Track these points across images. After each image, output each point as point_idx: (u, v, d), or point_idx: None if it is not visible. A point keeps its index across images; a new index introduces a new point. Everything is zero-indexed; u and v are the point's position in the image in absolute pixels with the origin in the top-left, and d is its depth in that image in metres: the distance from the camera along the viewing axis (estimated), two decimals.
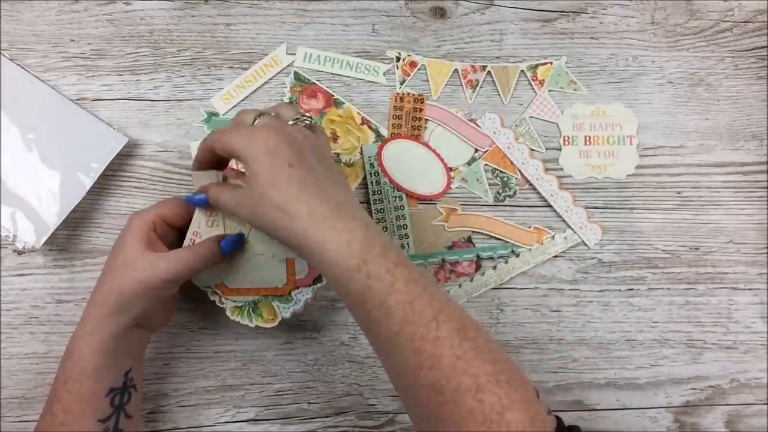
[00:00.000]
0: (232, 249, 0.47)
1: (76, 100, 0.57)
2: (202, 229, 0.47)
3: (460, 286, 0.58)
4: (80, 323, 0.45)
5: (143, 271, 0.43)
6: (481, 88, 0.60)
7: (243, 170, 0.44)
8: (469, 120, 0.59)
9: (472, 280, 0.58)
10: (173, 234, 0.48)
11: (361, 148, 0.58)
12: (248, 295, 0.50)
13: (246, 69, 0.58)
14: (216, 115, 0.58)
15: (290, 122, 0.44)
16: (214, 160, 0.46)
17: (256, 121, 0.43)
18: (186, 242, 0.48)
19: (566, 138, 0.59)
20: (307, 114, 0.45)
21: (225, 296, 0.50)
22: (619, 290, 0.59)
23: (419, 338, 0.37)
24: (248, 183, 0.41)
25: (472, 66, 0.60)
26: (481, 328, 0.40)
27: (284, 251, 0.49)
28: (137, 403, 0.47)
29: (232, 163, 0.51)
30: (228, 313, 0.50)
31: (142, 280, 0.43)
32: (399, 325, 0.38)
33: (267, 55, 0.59)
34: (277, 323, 0.50)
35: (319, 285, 0.50)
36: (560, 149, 0.59)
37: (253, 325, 0.50)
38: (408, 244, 0.57)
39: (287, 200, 0.39)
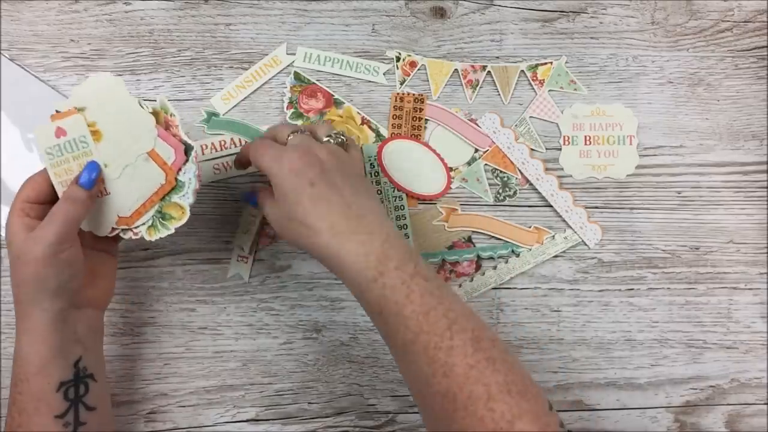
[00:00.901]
0: (90, 179, 0.45)
1: None
2: (63, 185, 0.46)
3: (460, 286, 0.58)
4: (16, 326, 0.44)
5: (31, 250, 0.42)
6: (481, 88, 0.60)
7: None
8: (469, 120, 0.59)
9: (472, 280, 0.58)
10: (50, 208, 0.46)
11: (361, 148, 0.58)
12: (148, 210, 0.48)
13: (246, 69, 0.59)
14: (216, 115, 0.58)
15: (324, 139, 0.47)
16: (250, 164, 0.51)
17: (289, 138, 0.46)
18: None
19: (566, 138, 0.59)
20: (340, 131, 0.48)
21: (130, 225, 0.48)
22: (619, 290, 0.59)
23: (433, 347, 0.39)
24: (277, 200, 0.45)
25: (472, 66, 0.60)
26: (496, 339, 0.41)
27: (138, 149, 0.47)
28: (100, 394, 0.46)
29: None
30: (147, 238, 0.48)
31: (35, 256, 0.42)
32: (414, 334, 0.39)
33: (267, 55, 0.59)
34: (189, 214, 0.47)
35: (193, 152, 0.47)
36: (560, 149, 0.59)
37: (173, 231, 0.47)
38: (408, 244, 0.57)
39: (310, 217, 0.43)
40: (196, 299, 0.57)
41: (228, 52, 0.59)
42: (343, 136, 0.48)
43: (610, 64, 0.60)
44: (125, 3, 0.59)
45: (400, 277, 0.41)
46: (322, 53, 0.59)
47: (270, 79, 0.59)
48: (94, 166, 0.46)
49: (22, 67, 0.56)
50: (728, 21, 0.61)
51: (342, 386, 0.57)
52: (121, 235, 0.48)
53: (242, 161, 0.52)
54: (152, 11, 0.59)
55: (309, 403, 0.57)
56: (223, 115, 0.58)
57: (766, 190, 0.60)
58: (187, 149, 0.47)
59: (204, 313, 0.57)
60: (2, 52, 0.57)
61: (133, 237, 0.48)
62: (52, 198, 0.46)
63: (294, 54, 0.59)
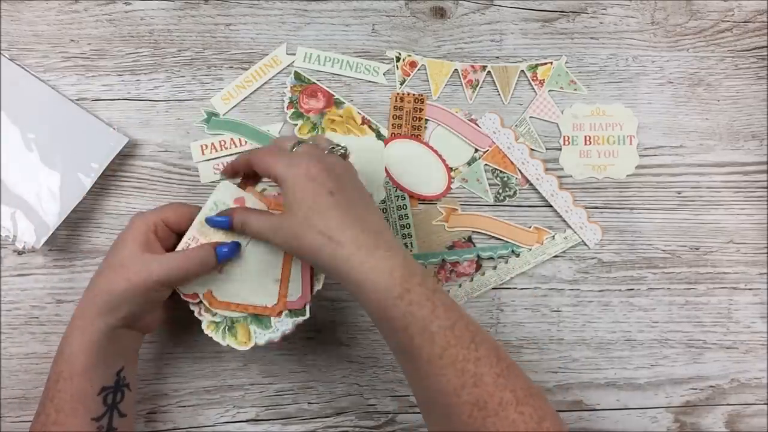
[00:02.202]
0: (227, 256, 0.46)
1: (76, 100, 0.57)
2: (199, 234, 0.47)
3: (460, 286, 0.58)
4: (71, 321, 0.45)
5: (136, 273, 0.44)
6: (481, 88, 0.60)
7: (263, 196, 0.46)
8: (469, 120, 0.59)
9: (472, 280, 0.58)
10: (174, 238, 0.48)
11: None
12: (235, 310, 0.48)
13: (246, 69, 0.58)
14: (216, 115, 0.58)
15: (325, 151, 0.45)
16: (248, 174, 0.48)
17: (295, 149, 0.45)
18: (181, 246, 0.47)
19: (566, 138, 0.59)
20: (340, 144, 0.47)
21: (212, 307, 0.48)
22: (619, 290, 0.59)
23: (462, 360, 0.39)
24: (289, 208, 0.42)
25: (472, 66, 0.60)
26: (505, 350, 0.42)
27: (278, 271, 0.48)
28: (131, 403, 0.47)
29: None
30: (203, 327, 0.48)
31: (133, 281, 0.43)
32: (442, 348, 0.39)
33: (267, 55, 0.59)
34: (249, 348, 0.48)
35: (301, 318, 0.48)
36: (560, 149, 0.59)
37: (224, 344, 0.48)
38: (411, 243, 0.57)
39: (330, 227, 0.41)
40: None
41: (228, 52, 0.59)
42: (344, 148, 0.47)
43: (610, 64, 0.60)
44: (125, 3, 0.59)
45: (424, 294, 0.40)
46: (322, 53, 0.59)
47: (270, 79, 0.59)
48: (236, 247, 0.47)
49: (22, 67, 0.56)
50: (728, 21, 0.61)
51: (342, 386, 0.57)
52: (190, 306, 0.48)
53: (237, 169, 0.48)
54: (152, 11, 0.59)
55: (309, 403, 0.57)
56: (223, 115, 0.58)
57: (766, 190, 0.60)
58: (301, 313, 0.48)
59: None
60: (2, 52, 0.57)
61: (196, 314, 0.48)
62: (184, 230, 0.47)
63: (294, 54, 0.59)
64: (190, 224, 0.47)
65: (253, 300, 0.48)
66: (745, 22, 0.61)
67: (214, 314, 0.48)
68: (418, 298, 0.40)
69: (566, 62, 0.60)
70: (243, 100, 0.58)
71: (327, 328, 0.57)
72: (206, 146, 0.57)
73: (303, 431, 0.56)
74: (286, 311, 0.48)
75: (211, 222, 0.46)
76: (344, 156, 0.47)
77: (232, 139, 0.58)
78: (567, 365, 0.58)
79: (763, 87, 0.61)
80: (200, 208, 0.47)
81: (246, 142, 0.58)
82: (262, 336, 0.48)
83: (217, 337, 0.48)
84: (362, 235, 0.41)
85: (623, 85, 0.60)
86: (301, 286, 0.48)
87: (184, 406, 0.56)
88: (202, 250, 0.46)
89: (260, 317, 0.48)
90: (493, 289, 0.58)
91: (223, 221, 0.46)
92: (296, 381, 0.57)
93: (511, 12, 0.60)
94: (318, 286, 0.48)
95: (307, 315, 0.48)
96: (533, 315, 0.58)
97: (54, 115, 0.55)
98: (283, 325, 0.48)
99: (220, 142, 0.58)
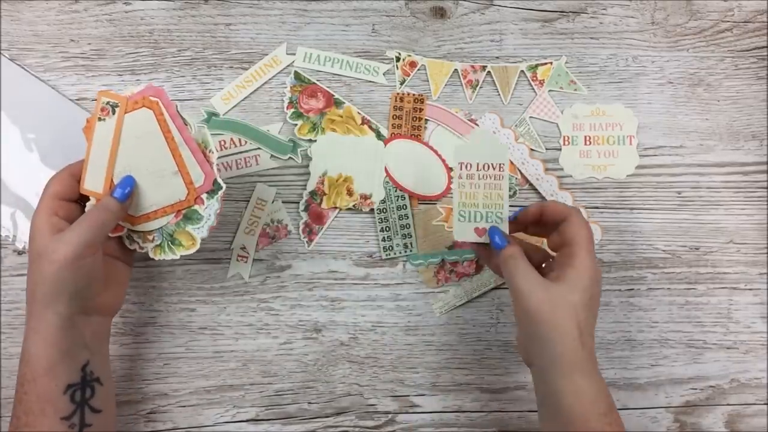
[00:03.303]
0: (124, 193, 0.46)
1: (76, 100, 0.57)
2: (93, 182, 0.47)
3: (460, 285, 0.58)
4: (26, 324, 0.44)
5: (54, 251, 0.43)
6: (481, 88, 0.60)
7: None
8: (469, 120, 0.59)
9: (472, 280, 0.58)
10: (77, 207, 0.47)
11: None
12: (156, 217, 0.48)
13: (246, 69, 0.59)
14: (216, 115, 0.58)
15: None
16: (537, 224, 0.48)
17: None
18: (88, 206, 0.47)
19: (566, 138, 0.59)
20: None
21: (135, 225, 0.48)
22: (619, 290, 0.59)
23: None
24: (566, 284, 0.43)
25: (472, 66, 0.60)
26: None
27: (172, 163, 0.48)
28: (106, 397, 0.46)
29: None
30: (151, 255, 0.49)
31: (56, 260, 0.42)
32: None
33: (267, 55, 0.59)
34: (198, 246, 0.49)
35: (221, 192, 0.48)
36: (560, 149, 0.59)
37: (178, 257, 0.49)
38: (412, 243, 0.57)
39: (587, 328, 0.43)
40: (196, 299, 0.57)
41: (228, 52, 0.59)
42: None
43: (610, 64, 0.60)
44: (125, 3, 0.59)
45: (619, 419, 0.42)
46: (322, 53, 0.59)
47: (270, 79, 0.59)
48: (129, 182, 0.47)
49: (22, 67, 0.56)
50: (728, 21, 0.61)
51: (342, 386, 0.57)
52: (127, 244, 0.49)
53: (541, 217, 0.48)
54: (152, 11, 0.59)
55: (309, 403, 0.57)
56: (223, 115, 0.58)
57: (766, 190, 0.60)
58: (217, 187, 0.48)
59: (204, 313, 0.57)
60: (2, 52, 0.57)
61: (138, 250, 0.49)
62: (78, 195, 0.47)
63: (294, 54, 0.59)
64: (76, 184, 0.47)
65: (166, 200, 0.48)
66: (745, 22, 0.61)
67: (152, 238, 0.49)
68: (617, 421, 0.42)
69: (566, 62, 0.60)
70: (243, 100, 0.58)
71: (327, 328, 0.57)
72: None
73: (303, 431, 0.56)
74: (206, 194, 0.48)
75: (493, 232, 0.47)
76: None
77: (232, 138, 0.58)
78: None
79: (763, 87, 0.61)
80: (74, 163, 0.47)
81: (246, 141, 0.58)
82: (201, 230, 0.49)
83: (167, 256, 0.49)
84: (594, 350, 0.44)
85: (623, 85, 0.60)
86: (200, 168, 0.48)
87: (184, 406, 0.56)
88: (102, 200, 0.46)
89: (189, 215, 0.49)
90: (493, 289, 0.58)
91: (501, 243, 0.46)
92: (296, 381, 0.57)
93: (511, 12, 0.60)
94: (214, 159, 0.48)
95: (223, 186, 0.48)
96: None
97: (54, 115, 0.55)
98: (211, 208, 0.49)
99: (220, 141, 0.58)
